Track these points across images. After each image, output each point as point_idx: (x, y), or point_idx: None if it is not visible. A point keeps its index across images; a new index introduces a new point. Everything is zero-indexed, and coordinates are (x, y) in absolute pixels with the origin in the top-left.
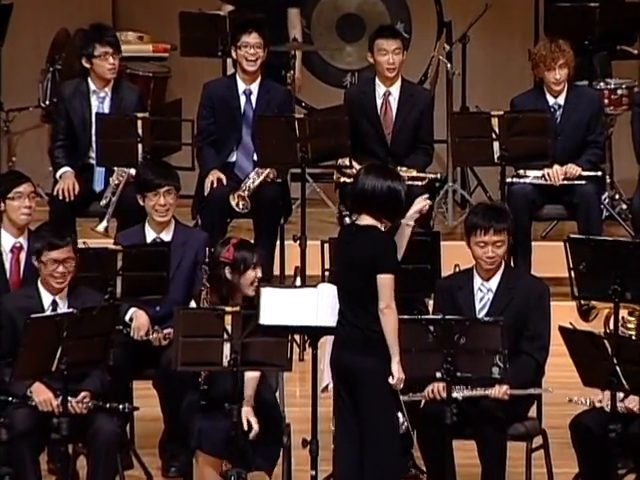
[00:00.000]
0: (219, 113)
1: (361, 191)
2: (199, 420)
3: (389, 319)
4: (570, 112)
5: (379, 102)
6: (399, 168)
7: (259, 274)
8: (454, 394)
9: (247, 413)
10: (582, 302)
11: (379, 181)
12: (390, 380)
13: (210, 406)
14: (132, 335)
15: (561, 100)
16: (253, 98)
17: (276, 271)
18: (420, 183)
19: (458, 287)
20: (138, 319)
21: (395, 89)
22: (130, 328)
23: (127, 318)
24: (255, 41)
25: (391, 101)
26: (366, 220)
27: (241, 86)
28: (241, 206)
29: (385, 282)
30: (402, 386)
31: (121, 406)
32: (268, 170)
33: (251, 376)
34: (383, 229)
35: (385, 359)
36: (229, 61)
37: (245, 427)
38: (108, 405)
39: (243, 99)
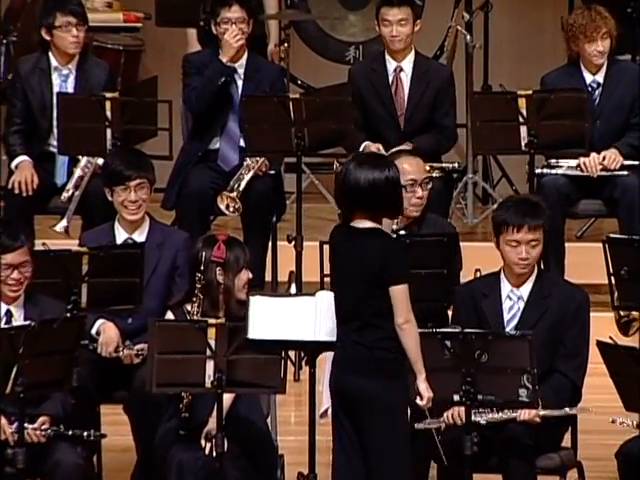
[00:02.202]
0: None
1: (355, 187)
2: (178, 452)
3: (410, 335)
4: (610, 91)
5: (390, 80)
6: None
7: (250, 276)
8: (476, 417)
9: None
10: (622, 313)
11: (375, 173)
12: (419, 401)
13: (190, 436)
14: (99, 352)
15: (600, 77)
16: (239, 78)
17: (268, 277)
18: (435, 174)
19: (483, 294)
20: (106, 333)
21: (407, 64)
22: (97, 343)
23: (93, 331)
24: (237, 15)
25: (402, 78)
26: (364, 222)
27: None
28: (231, 209)
29: (400, 294)
30: (430, 405)
31: (86, 434)
32: (260, 162)
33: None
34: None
35: (396, 382)
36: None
37: (207, 451)
38: (71, 432)
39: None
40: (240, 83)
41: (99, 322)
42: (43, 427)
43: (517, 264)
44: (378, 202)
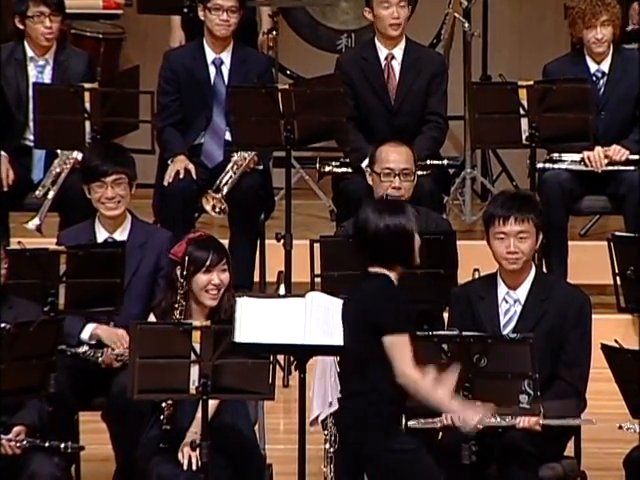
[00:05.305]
0: (185, 88)
1: (363, 234)
2: (158, 464)
3: (410, 388)
4: (616, 81)
5: (382, 68)
6: None
7: (215, 280)
8: None
9: (187, 449)
10: None
11: (383, 219)
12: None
13: (171, 448)
14: (101, 360)
15: (605, 66)
16: (225, 69)
17: (255, 277)
18: (422, 172)
19: (478, 297)
20: (109, 331)
21: (398, 51)
22: (88, 349)
23: (85, 336)
24: (229, 4)
25: (394, 66)
26: (376, 268)
27: (210, 55)
28: (217, 210)
29: (389, 344)
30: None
31: (63, 445)
32: (248, 159)
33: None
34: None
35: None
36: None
37: (185, 466)
38: (47, 443)
39: (213, 70)
40: (226, 74)
41: (91, 326)
42: (18, 438)
43: (506, 259)
44: (384, 250)
